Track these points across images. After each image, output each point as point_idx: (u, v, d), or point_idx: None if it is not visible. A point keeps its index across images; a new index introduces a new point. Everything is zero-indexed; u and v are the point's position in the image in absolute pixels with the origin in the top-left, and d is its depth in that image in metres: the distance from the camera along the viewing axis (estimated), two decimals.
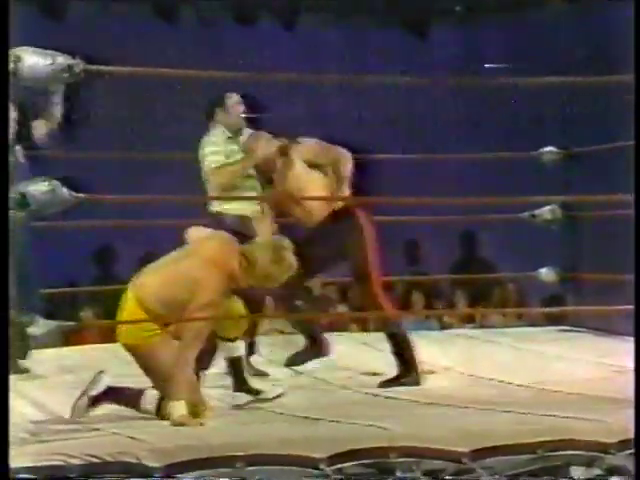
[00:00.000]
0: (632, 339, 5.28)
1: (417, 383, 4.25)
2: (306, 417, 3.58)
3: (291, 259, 3.71)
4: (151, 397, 3.53)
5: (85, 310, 6.62)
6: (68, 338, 5.49)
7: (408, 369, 4.29)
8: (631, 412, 3.48)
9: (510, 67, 6.91)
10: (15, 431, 2.84)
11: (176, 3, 7.61)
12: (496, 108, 7.47)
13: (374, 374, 4.45)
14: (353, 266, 4.37)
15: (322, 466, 3.11)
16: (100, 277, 7.28)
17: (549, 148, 5.61)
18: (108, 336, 6.53)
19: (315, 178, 4.28)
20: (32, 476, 2.88)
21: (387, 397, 4.05)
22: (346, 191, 4.27)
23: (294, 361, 4.44)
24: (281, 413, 3.69)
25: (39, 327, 3.16)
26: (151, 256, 7.25)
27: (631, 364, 4.57)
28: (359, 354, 4.91)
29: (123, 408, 3.59)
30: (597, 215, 5.64)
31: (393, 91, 7.47)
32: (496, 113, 7.63)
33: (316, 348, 4.39)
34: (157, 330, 3.55)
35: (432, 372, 4.44)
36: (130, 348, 3.58)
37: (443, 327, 6.62)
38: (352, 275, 4.42)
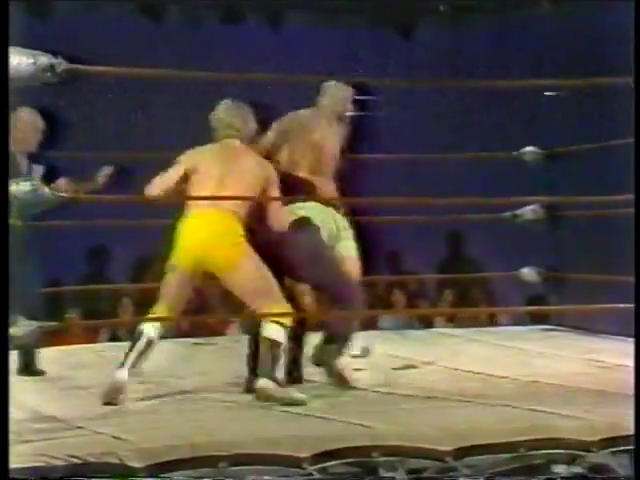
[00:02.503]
0: (616, 338, 5.35)
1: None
2: (290, 413, 3.59)
3: None
4: None
5: (71, 311, 6.60)
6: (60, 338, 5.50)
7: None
8: (614, 408, 3.51)
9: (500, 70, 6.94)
10: None
11: (162, 2, 7.59)
12: (481, 109, 7.50)
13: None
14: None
15: (305, 465, 3.11)
16: (87, 277, 7.26)
17: (530, 148, 5.63)
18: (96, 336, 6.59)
19: None
20: (16, 477, 2.87)
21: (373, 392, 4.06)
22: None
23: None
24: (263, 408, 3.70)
25: (20, 327, 3.15)
26: (143, 258, 7.32)
27: (613, 360, 4.63)
28: None
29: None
30: (580, 215, 5.67)
31: (379, 91, 7.49)
32: (481, 113, 7.65)
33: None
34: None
35: (414, 367, 4.46)
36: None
37: (426, 326, 6.63)
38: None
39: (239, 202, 3.83)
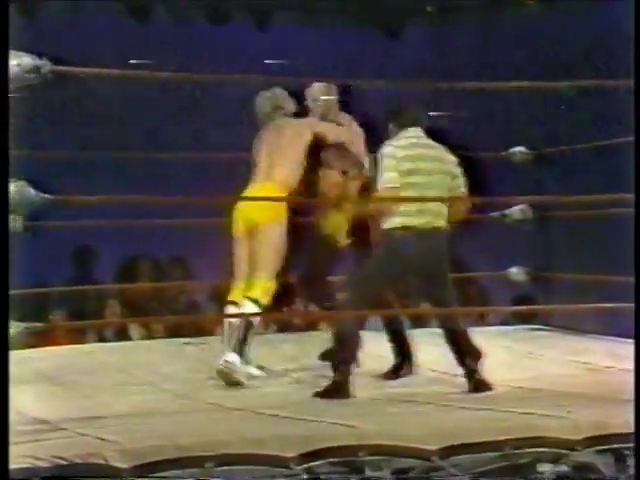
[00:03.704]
0: (602, 337, 5.37)
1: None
2: (276, 415, 3.59)
3: None
4: None
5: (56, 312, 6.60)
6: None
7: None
8: (599, 408, 3.52)
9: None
10: None
11: (149, 1, 7.59)
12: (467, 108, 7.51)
13: None
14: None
15: (292, 465, 3.12)
16: (74, 279, 7.26)
17: (519, 148, 5.64)
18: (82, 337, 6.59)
19: None
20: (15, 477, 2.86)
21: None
22: None
23: (388, 377, 4.40)
24: (251, 411, 3.70)
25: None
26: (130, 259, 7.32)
27: (599, 361, 4.65)
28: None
29: None
30: (568, 215, 5.69)
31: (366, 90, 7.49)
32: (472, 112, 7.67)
33: (408, 366, 4.44)
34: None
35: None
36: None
37: (412, 326, 6.61)
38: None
39: (289, 174, 4.29)
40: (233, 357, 4.06)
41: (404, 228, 4.04)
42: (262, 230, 4.18)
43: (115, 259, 7.40)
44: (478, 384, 4.02)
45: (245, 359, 4.12)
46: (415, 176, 4.05)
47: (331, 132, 4.40)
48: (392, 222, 4.06)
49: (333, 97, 4.51)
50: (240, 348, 4.07)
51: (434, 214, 4.08)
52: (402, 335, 4.49)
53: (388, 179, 4.03)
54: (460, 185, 4.17)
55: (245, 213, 4.26)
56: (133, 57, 6.69)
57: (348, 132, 4.47)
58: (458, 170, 4.17)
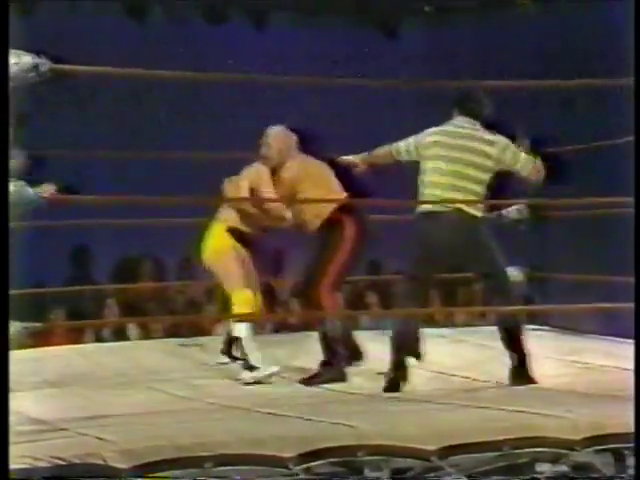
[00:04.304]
0: (601, 337, 5.38)
1: (343, 379, 4.33)
2: (274, 414, 3.59)
3: None
4: None
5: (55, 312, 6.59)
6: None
7: (332, 364, 4.39)
8: (597, 408, 3.53)
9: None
10: None
11: (146, 1, 7.59)
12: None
13: None
14: (311, 263, 4.47)
15: (291, 465, 3.11)
16: (72, 278, 7.26)
17: None
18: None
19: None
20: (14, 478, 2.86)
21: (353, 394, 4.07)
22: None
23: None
24: (248, 410, 3.70)
25: None
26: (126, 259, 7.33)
27: (597, 361, 4.66)
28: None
29: None
30: (565, 215, 5.69)
31: (364, 91, 7.50)
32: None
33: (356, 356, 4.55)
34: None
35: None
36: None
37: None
38: (305, 271, 4.51)
39: (232, 215, 4.53)
40: (244, 374, 4.35)
41: (423, 213, 4.20)
42: (211, 264, 4.58)
43: (113, 259, 7.40)
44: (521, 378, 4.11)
45: (253, 365, 4.36)
46: (438, 161, 4.19)
47: (263, 188, 4.46)
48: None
49: (287, 144, 4.46)
50: (246, 361, 4.36)
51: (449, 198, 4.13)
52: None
53: (394, 145, 4.33)
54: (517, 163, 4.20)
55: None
56: (130, 56, 6.69)
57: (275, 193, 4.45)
58: (500, 160, 4.21)
